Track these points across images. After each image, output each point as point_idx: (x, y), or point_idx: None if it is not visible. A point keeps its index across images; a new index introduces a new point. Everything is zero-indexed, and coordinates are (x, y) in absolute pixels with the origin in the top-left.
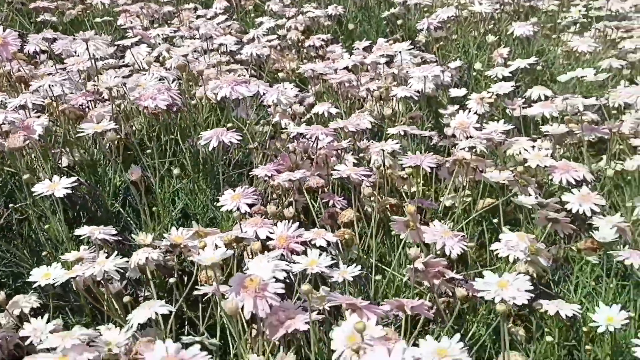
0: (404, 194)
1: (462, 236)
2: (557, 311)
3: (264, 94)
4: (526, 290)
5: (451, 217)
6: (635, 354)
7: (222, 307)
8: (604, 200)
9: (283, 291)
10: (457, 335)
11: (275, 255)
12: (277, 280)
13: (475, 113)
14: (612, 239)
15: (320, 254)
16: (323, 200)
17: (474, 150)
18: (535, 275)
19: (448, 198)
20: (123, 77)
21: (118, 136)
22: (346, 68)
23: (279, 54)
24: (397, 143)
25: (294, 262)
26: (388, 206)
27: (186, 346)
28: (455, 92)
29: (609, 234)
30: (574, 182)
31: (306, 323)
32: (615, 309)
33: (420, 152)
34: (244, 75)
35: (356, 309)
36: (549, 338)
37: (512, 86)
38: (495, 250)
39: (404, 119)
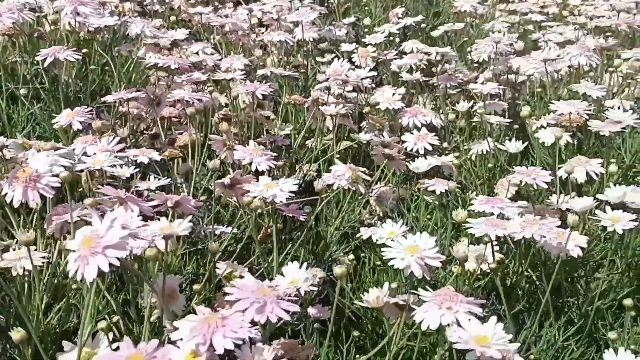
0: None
1: (271, 155)
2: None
3: (129, 25)
4: (289, 192)
5: (308, 157)
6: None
7: None
8: (436, 139)
9: (59, 185)
10: None
11: (62, 153)
12: (55, 175)
13: (352, 63)
14: (424, 169)
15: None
16: (177, 132)
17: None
18: (381, 213)
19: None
20: None
21: None
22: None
23: (188, 4)
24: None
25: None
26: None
27: None
28: (345, 47)
29: (422, 166)
30: (419, 126)
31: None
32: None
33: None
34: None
35: (122, 202)
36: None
37: (384, 37)
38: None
39: (288, 66)
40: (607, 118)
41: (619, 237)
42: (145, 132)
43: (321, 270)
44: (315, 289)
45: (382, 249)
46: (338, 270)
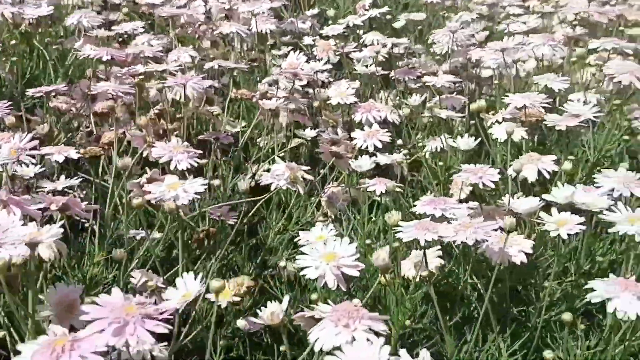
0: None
1: (194, 153)
2: None
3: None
4: (196, 193)
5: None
6: None
7: None
8: (388, 136)
9: None
10: None
11: None
12: None
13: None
14: (367, 168)
15: None
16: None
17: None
18: (332, 216)
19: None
20: None
21: None
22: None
23: None
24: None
25: None
26: (161, 131)
27: None
28: (307, 40)
29: (365, 164)
30: (373, 121)
31: None
32: None
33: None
34: None
35: (4, 204)
36: None
37: (343, 29)
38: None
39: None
40: (566, 112)
41: (579, 240)
42: (80, 129)
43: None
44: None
45: (296, 257)
46: (215, 284)
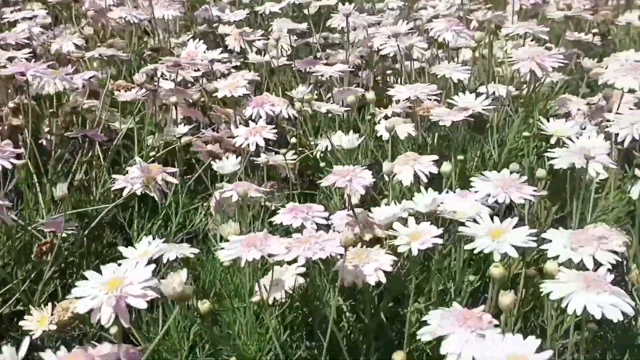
0: None
1: (10, 153)
2: None
3: None
4: None
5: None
6: None
7: None
8: (273, 133)
9: None
10: None
11: None
12: None
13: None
14: (230, 170)
15: None
16: None
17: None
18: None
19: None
20: None
21: None
22: None
23: None
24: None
25: None
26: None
27: None
28: (222, 29)
29: (227, 166)
30: (264, 117)
31: None
32: None
33: None
34: None
35: None
36: None
37: (246, 14)
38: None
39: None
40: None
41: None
42: None
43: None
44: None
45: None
46: None
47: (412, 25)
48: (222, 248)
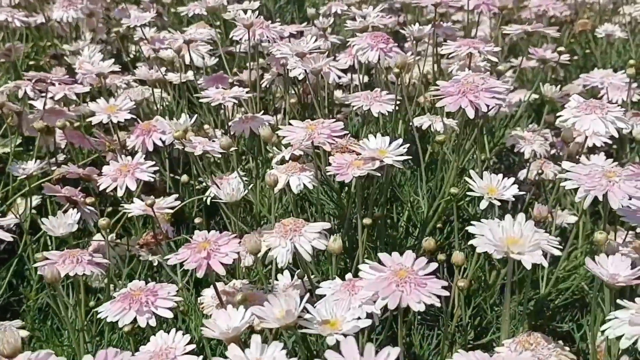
0: None
1: None
2: None
3: None
4: None
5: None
6: None
7: None
8: (149, 174)
9: None
10: None
11: None
12: None
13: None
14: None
15: None
16: None
17: None
18: None
19: None
20: None
21: None
22: None
23: None
24: None
25: None
26: None
27: None
28: (140, 32)
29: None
30: (151, 148)
31: None
32: None
33: None
34: None
35: None
36: None
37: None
38: None
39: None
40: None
41: None
42: None
43: None
44: None
45: None
46: None
47: (336, 39)
48: None
